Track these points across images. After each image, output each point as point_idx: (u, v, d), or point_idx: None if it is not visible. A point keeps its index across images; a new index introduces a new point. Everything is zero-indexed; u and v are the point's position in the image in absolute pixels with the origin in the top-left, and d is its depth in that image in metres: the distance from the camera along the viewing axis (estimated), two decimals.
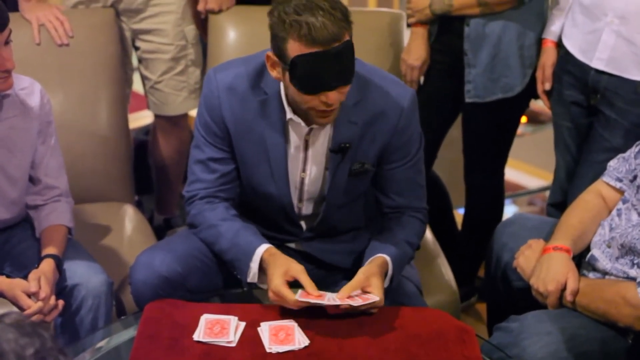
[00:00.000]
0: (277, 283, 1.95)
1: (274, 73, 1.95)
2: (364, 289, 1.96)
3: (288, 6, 1.84)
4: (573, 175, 2.65)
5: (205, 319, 1.96)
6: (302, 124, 2.02)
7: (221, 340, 1.90)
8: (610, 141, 2.48)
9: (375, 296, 1.94)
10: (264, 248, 2.03)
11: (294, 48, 1.84)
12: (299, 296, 1.93)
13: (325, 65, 1.84)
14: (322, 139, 2.07)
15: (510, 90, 2.73)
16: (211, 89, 2.07)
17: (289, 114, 2.02)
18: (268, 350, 1.88)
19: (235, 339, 1.92)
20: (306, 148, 2.08)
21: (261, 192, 2.14)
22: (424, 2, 2.71)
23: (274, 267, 1.98)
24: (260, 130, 2.06)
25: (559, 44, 2.64)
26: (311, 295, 1.93)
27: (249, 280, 2.04)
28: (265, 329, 1.93)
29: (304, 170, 2.11)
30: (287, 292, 1.94)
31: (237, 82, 2.05)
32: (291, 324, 1.95)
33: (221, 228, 2.08)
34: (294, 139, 2.07)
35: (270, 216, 2.20)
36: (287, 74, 1.89)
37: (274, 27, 1.87)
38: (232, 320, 1.96)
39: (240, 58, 2.12)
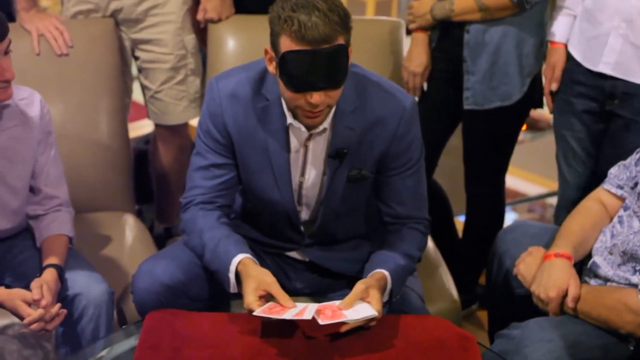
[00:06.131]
0: (249, 301, 1.91)
1: (271, 68, 1.97)
2: (363, 299, 1.95)
3: (287, 2, 1.86)
4: (586, 186, 2.59)
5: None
6: (302, 128, 2.03)
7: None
8: (635, 142, 2.39)
9: (371, 310, 1.91)
10: (238, 259, 1.99)
11: (285, 43, 1.86)
12: (258, 312, 1.87)
13: (312, 65, 1.85)
14: (322, 145, 2.07)
15: (508, 99, 2.72)
16: (213, 97, 2.08)
17: (289, 119, 2.02)
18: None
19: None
20: (305, 152, 2.08)
21: (265, 198, 2.13)
22: (425, 7, 2.72)
23: (246, 281, 1.94)
24: (263, 136, 2.06)
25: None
26: (276, 309, 1.89)
27: (231, 290, 2.01)
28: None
29: (302, 174, 2.11)
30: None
31: (238, 89, 2.06)
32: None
33: (205, 237, 2.06)
34: (294, 144, 2.07)
35: (273, 223, 2.19)
36: (278, 69, 1.91)
37: (272, 21, 1.90)
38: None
39: (241, 65, 2.13)
